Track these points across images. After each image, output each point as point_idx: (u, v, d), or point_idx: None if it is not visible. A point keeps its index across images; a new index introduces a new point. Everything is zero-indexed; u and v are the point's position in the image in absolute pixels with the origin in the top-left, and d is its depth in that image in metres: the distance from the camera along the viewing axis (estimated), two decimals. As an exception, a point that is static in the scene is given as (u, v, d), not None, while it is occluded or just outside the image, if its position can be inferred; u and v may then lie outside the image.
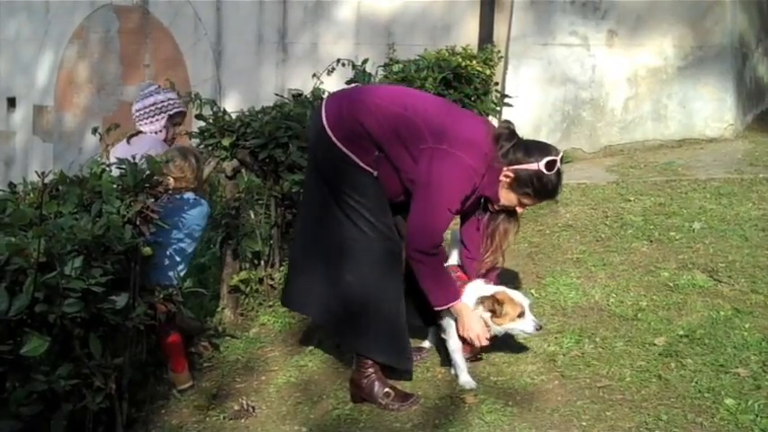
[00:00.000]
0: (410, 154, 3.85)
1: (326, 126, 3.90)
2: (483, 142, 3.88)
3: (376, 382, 4.05)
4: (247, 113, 5.36)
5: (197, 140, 5.44)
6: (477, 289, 4.08)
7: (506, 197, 3.97)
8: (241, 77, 10.19)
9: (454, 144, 3.79)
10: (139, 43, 10.94)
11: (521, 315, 4.00)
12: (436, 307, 4.02)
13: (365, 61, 6.86)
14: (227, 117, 5.31)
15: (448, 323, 4.13)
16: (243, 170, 5.27)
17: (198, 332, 4.92)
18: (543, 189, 3.91)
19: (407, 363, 4.14)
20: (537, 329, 4.04)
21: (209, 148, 5.25)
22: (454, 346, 4.14)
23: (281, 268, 5.33)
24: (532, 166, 3.86)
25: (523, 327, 4.03)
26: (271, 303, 5.30)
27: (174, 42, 10.64)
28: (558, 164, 3.89)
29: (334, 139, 3.86)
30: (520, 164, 3.88)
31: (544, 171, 3.85)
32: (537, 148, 3.95)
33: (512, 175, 3.89)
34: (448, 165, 3.79)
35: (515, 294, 4.04)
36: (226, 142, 5.09)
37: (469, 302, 4.03)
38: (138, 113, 5.29)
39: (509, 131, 3.96)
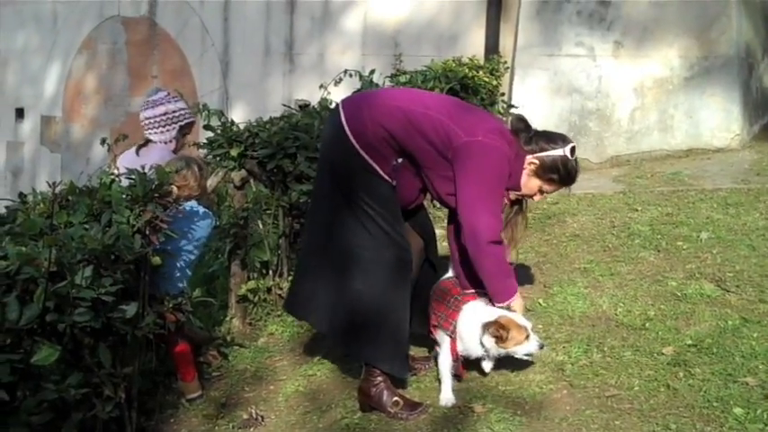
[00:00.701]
0: (440, 153, 3.86)
1: (348, 132, 3.90)
2: (507, 132, 3.99)
3: (385, 391, 4.05)
4: (255, 124, 5.37)
5: (205, 151, 5.46)
6: (475, 311, 4.08)
7: (529, 185, 4.06)
8: (248, 88, 10.23)
9: (487, 134, 3.84)
10: (147, 54, 10.99)
11: (526, 338, 3.99)
12: (499, 303, 4.03)
13: (372, 72, 6.90)
14: (234, 127, 5.33)
15: (442, 338, 4.15)
16: (251, 180, 5.29)
17: (206, 342, 4.93)
18: (568, 174, 4.04)
19: (405, 372, 4.17)
20: (540, 348, 4.04)
21: (218, 158, 5.26)
22: (444, 362, 4.14)
23: (290, 278, 5.34)
24: (558, 152, 4.00)
25: (528, 349, 4.01)
26: (279, 313, 5.31)
27: (181, 53, 10.69)
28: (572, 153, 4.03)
29: (357, 146, 3.87)
30: (544, 151, 3.99)
31: (569, 156, 4.00)
32: (558, 136, 4.09)
33: (537, 162, 4.00)
34: (490, 153, 3.83)
35: (517, 318, 4.02)
36: (234, 152, 5.11)
37: (469, 325, 4.04)
38: (148, 122, 5.22)
39: (524, 123, 4.07)
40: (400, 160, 3.92)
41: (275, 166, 5.12)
